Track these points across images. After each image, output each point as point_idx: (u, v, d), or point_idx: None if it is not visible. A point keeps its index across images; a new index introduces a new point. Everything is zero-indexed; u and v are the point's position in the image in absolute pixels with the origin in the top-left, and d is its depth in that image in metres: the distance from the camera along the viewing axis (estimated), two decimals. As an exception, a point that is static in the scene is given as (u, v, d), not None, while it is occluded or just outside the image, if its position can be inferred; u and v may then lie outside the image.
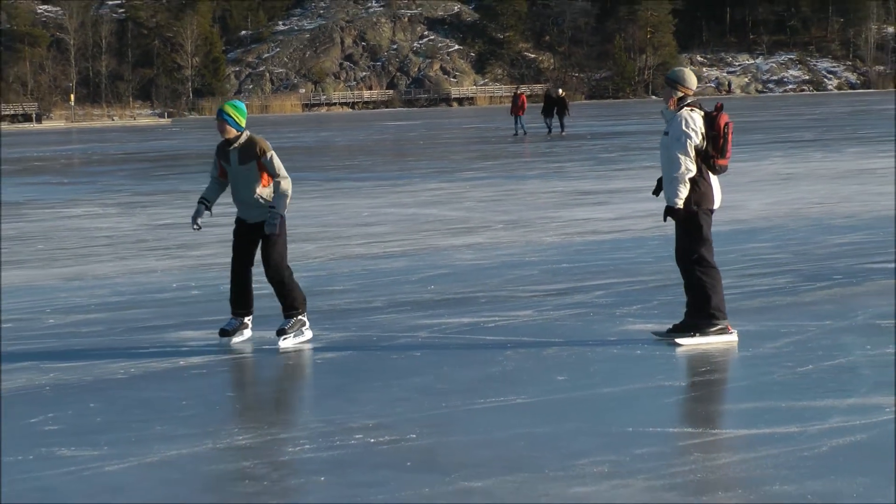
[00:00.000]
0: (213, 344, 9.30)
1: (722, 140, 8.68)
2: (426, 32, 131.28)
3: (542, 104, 50.66)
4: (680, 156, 8.65)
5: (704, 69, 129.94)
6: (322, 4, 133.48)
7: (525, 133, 47.05)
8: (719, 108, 8.80)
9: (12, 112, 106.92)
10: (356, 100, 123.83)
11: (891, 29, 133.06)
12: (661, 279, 11.35)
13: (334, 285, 12.07)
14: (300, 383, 8.55)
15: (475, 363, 8.42)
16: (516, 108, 48.14)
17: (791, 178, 23.52)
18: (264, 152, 9.02)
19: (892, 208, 17.12)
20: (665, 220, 8.93)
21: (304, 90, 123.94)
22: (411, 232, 16.68)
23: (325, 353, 8.97)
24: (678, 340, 8.80)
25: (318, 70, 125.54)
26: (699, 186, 8.72)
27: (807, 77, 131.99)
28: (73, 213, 21.68)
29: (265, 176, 9.07)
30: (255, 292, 9.43)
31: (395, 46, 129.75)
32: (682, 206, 8.69)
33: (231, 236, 9.42)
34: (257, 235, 9.16)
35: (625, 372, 8.11)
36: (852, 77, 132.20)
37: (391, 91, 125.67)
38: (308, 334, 9.26)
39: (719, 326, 8.83)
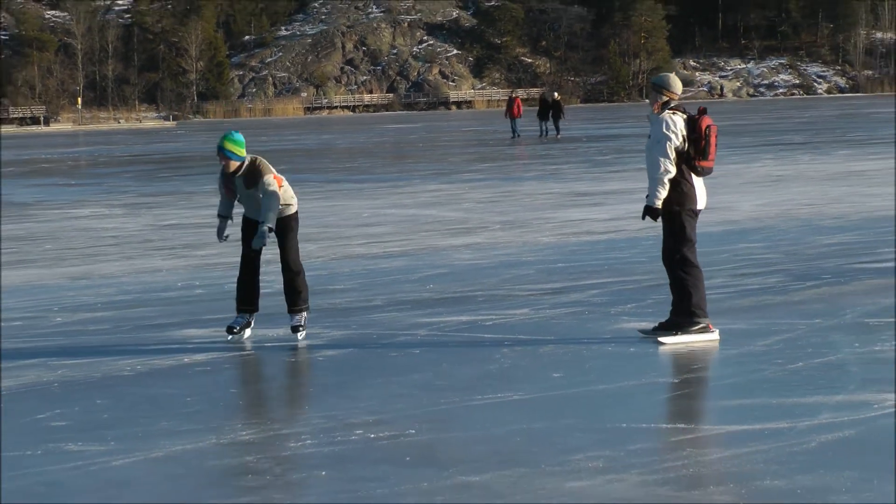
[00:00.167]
0: (217, 341, 9.39)
1: (704, 142, 8.74)
2: (425, 37, 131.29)
3: (537, 107, 50.79)
4: (660, 157, 8.75)
5: (697, 73, 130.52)
6: (324, 10, 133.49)
7: (516, 136, 47.07)
8: (702, 112, 8.89)
9: (21, 115, 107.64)
10: (357, 103, 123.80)
11: (879, 34, 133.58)
12: (654, 278, 11.33)
13: (335, 284, 12.12)
14: (302, 380, 8.58)
15: (473, 360, 8.46)
16: (512, 111, 48.28)
17: (781, 180, 23.55)
18: (263, 175, 9.15)
19: (880, 209, 17.19)
20: (643, 218, 9.04)
21: (305, 94, 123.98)
22: (411, 232, 16.72)
23: (327, 350, 9.02)
24: (660, 339, 8.87)
25: (320, 74, 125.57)
26: (681, 187, 8.81)
27: (797, 81, 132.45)
28: (81, 213, 21.75)
29: None
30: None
31: (395, 51, 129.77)
32: (659, 206, 8.81)
33: (237, 235, 9.55)
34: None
35: (619, 369, 8.16)
36: (841, 81, 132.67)
37: (391, 95, 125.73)
38: None
39: (700, 325, 8.89)
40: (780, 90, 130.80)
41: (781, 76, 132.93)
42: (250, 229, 9.37)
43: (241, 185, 9.26)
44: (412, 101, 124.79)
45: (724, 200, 19.11)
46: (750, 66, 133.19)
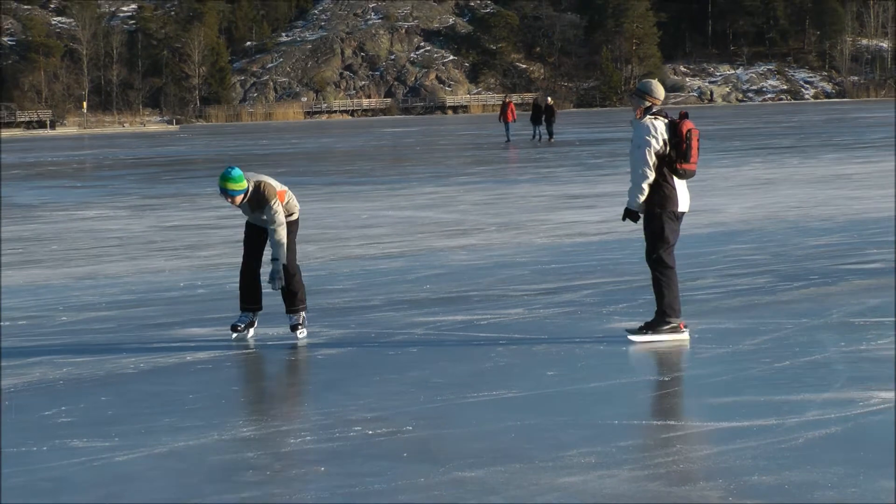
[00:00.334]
0: (218, 340, 9.49)
1: (685, 145, 8.84)
2: (422, 43, 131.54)
3: (530, 112, 51.03)
4: (639, 161, 8.87)
5: (687, 79, 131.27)
6: (323, 17, 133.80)
7: (508, 140, 47.15)
8: (683, 116, 9.00)
9: (27, 119, 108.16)
10: (355, 108, 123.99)
11: (864, 41, 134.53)
12: (645, 279, 11.11)
13: (334, 284, 12.20)
14: (302, 378, 8.62)
15: (469, 359, 8.53)
16: (505, 115, 48.48)
17: (770, 183, 23.60)
18: (268, 201, 9.31)
19: (866, 212, 17.31)
20: (623, 220, 9.17)
21: (305, 98, 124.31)
22: (408, 234, 16.78)
23: (326, 349, 9.09)
24: (630, 337, 8.96)
25: (320, 79, 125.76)
26: (663, 190, 8.91)
27: (785, 87, 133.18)
28: (86, 215, 21.81)
29: None
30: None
31: (392, 57, 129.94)
32: (638, 209, 8.95)
33: (238, 236, 9.73)
34: (266, 235, 9.54)
35: (611, 367, 8.23)
36: (828, 87, 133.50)
37: (389, 99, 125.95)
38: None
39: (671, 325, 8.96)
40: (769, 95, 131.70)
41: (769, 82, 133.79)
42: (253, 233, 9.59)
43: (248, 209, 9.46)
44: (409, 106, 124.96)
45: (713, 203, 19.25)
46: (739, 71, 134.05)
